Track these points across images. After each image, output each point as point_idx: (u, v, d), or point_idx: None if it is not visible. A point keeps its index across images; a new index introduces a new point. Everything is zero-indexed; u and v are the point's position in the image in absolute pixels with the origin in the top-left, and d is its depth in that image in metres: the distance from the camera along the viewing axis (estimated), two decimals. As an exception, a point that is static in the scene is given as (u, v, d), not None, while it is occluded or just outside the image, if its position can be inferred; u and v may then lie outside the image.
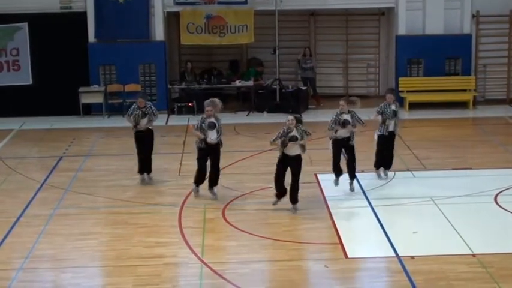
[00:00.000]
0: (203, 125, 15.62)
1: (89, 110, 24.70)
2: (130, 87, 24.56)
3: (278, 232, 14.19)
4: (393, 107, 16.86)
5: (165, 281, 12.26)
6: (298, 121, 15.07)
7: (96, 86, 24.57)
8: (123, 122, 23.51)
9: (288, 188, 15.15)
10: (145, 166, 17.21)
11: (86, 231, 14.47)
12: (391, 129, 16.90)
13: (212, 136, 15.64)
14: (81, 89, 24.28)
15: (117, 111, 24.49)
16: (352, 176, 16.35)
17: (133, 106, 16.97)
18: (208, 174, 16.00)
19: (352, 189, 16.30)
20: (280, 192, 15.22)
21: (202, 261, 12.88)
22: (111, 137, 21.95)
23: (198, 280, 12.19)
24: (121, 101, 24.58)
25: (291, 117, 15.02)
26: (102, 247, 13.88)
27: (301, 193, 15.35)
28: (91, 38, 24.61)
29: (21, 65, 24.58)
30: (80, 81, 24.36)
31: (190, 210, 15.49)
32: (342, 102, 16.23)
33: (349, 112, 16.11)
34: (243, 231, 14.29)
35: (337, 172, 16.25)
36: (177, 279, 12.58)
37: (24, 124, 23.60)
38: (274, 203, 15.28)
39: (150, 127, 17.07)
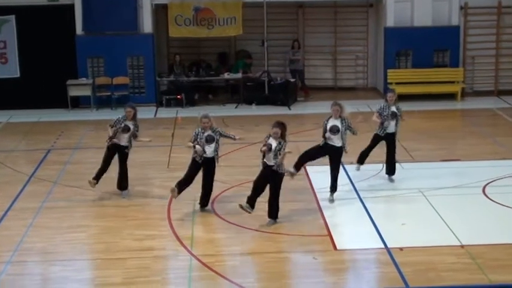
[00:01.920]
0: (199, 139, 14.49)
1: (77, 103, 24.63)
2: (118, 80, 24.53)
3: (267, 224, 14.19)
4: (393, 108, 16.19)
5: (154, 274, 12.26)
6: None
7: (84, 78, 24.51)
8: (111, 115, 23.52)
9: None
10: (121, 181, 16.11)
11: (74, 224, 14.45)
12: (389, 131, 16.28)
13: (208, 150, 14.61)
14: (69, 82, 24.21)
15: (105, 104, 24.44)
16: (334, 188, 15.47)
17: (119, 117, 15.82)
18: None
19: (331, 200, 15.43)
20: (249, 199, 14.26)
21: (192, 254, 12.88)
22: (100, 129, 21.85)
23: (188, 273, 12.19)
24: (109, 93, 24.54)
25: (276, 129, 13.86)
26: (91, 240, 13.86)
27: (290, 185, 15.36)
28: (79, 30, 24.53)
29: (8, 58, 24.50)
30: (68, 74, 24.29)
31: (179, 203, 15.46)
32: (336, 108, 15.11)
33: (340, 117, 15.06)
34: (232, 223, 14.30)
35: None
36: (166, 271, 12.58)
37: (11, 117, 23.53)
38: (242, 207, 14.24)
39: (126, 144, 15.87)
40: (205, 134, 14.57)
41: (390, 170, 16.70)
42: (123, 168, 15.94)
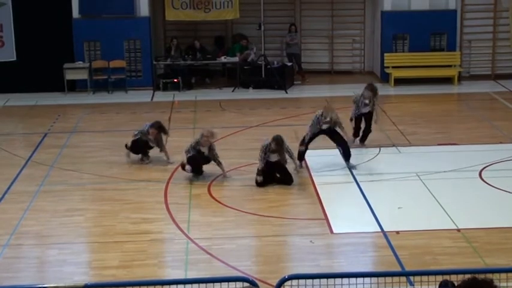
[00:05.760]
0: (191, 150, 15.69)
1: (74, 87, 24.56)
2: (115, 64, 24.46)
3: (264, 208, 14.23)
4: (366, 101, 17.48)
5: (151, 257, 12.29)
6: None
7: (81, 62, 24.42)
8: (108, 99, 23.57)
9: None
10: None
11: (72, 207, 14.47)
12: (364, 111, 17.55)
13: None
14: (65, 65, 24.12)
15: (102, 88, 24.39)
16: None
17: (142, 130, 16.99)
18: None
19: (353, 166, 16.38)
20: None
21: (188, 237, 12.91)
22: (96, 113, 21.88)
23: (184, 256, 12.23)
24: (106, 77, 24.48)
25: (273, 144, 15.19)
26: (88, 223, 13.89)
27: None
28: (75, 13, 24.44)
29: (5, 41, 24.41)
30: (65, 57, 24.21)
31: (176, 186, 15.50)
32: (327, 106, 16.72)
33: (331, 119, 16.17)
34: (229, 207, 14.33)
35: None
36: (163, 255, 12.62)
37: (8, 101, 23.48)
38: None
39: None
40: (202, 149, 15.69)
41: (362, 137, 17.81)
42: None
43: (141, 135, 16.84)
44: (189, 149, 15.70)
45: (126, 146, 16.92)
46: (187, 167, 15.58)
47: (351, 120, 17.63)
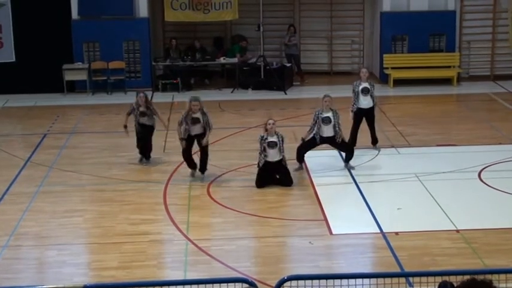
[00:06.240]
0: (184, 120, 15.56)
1: (73, 87, 24.58)
2: (114, 64, 24.46)
3: (263, 209, 14.23)
4: (365, 84, 17.10)
5: (150, 258, 12.30)
6: None
7: (80, 63, 24.43)
8: (107, 99, 23.58)
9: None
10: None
11: (71, 208, 14.46)
12: (364, 106, 17.08)
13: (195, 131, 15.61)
14: (65, 66, 24.13)
15: (101, 89, 24.39)
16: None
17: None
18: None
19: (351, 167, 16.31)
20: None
21: (187, 238, 12.91)
22: (96, 114, 21.88)
23: (183, 257, 12.23)
24: (105, 78, 24.48)
25: (271, 120, 15.35)
26: (87, 224, 13.89)
27: (286, 170, 15.43)
28: (74, 14, 24.44)
29: (4, 42, 24.42)
30: (64, 58, 24.21)
31: (176, 187, 15.50)
32: (327, 99, 16.04)
33: (331, 110, 15.98)
34: (228, 208, 14.33)
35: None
36: (162, 256, 12.62)
37: (7, 101, 23.48)
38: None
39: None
40: (193, 115, 15.50)
41: (373, 141, 17.55)
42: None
43: (134, 112, 16.70)
44: (181, 120, 15.58)
45: (125, 126, 16.74)
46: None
47: (352, 111, 17.23)
